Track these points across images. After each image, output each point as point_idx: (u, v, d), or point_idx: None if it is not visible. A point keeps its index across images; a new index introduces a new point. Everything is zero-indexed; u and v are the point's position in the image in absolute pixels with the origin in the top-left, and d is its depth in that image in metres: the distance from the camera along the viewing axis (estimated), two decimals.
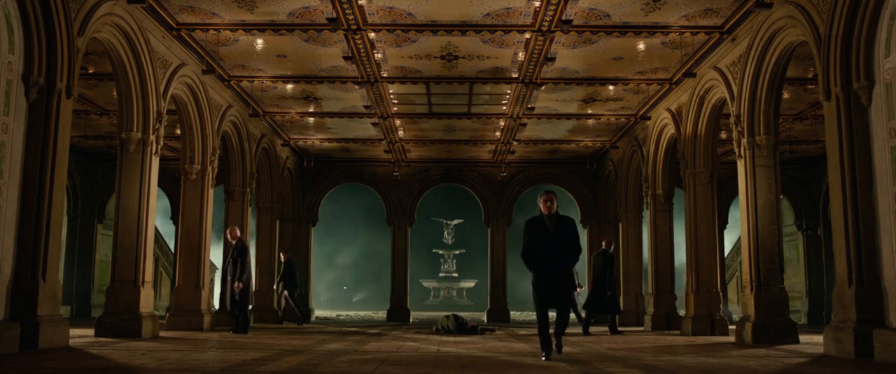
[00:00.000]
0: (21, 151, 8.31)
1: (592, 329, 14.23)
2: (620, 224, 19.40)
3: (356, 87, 14.19)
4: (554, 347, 7.94)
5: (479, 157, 21.43)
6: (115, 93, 11.76)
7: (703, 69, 12.76)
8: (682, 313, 14.67)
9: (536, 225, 8.05)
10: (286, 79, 13.88)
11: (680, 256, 16.34)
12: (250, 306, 13.55)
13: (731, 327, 13.13)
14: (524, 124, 17.19)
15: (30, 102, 8.41)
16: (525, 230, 8.06)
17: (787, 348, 9.87)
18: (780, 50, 10.39)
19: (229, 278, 12.81)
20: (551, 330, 7.99)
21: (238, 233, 13.29)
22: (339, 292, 36.39)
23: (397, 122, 17.20)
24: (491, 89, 14.68)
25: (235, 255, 12.88)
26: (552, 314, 8.02)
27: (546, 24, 10.92)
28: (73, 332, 9.98)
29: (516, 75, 13.56)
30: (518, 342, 11.29)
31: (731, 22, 10.91)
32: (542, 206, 8.09)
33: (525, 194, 22.90)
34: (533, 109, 15.82)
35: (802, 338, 11.01)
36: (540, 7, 10.36)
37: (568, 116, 16.70)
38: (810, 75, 13.00)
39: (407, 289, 22.28)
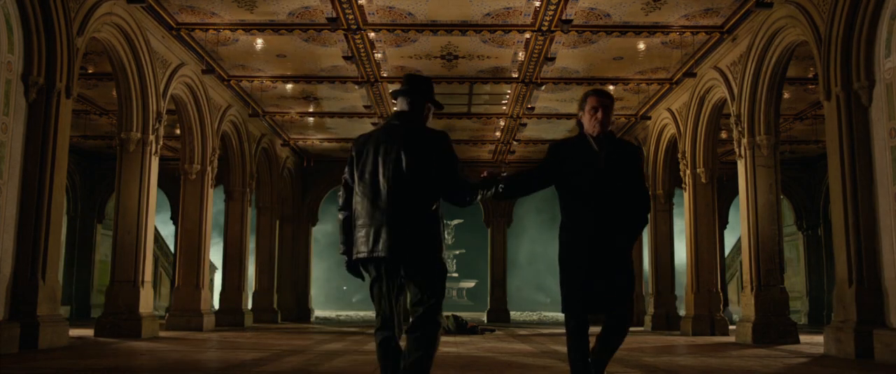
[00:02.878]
0: (21, 151, 8.30)
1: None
2: None
3: (356, 87, 14.18)
4: None
5: (479, 157, 21.40)
6: (114, 93, 11.75)
7: (703, 69, 12.75)
8: (682, 313, 14.66)
9: (573, 150, 4.36)
10: (286, 79, 13.87)
11: (680, 256, 16.33)
12: None
13: (732, 327, 13.13)
14: (524, 124, 17.18)
15: (29, 101, 8.41)
16: (547, 156, 4.51)
17: (788, 348, 9.87)
18: (781, 50, 10.38)
19: None
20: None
21: None
22: (339, 292, 36.35)
23: None
24: (491, 89, 14.67)
25: None
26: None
27: (546, 23, 10.92)
28: (73, 332, 9.97)
29: (516, 75, 13.55)
30: (518, 342, 11.29)
31: (732, 22, 10.90)
32: (586, 117, 4.36)
33: None
34: (533, 108, 15.81)
35: (802, 338, 11.01)
36: (540, 7, 10.36)
37: (568, 116, 16.67)
38: (810, 75, 12.99)
39: None
